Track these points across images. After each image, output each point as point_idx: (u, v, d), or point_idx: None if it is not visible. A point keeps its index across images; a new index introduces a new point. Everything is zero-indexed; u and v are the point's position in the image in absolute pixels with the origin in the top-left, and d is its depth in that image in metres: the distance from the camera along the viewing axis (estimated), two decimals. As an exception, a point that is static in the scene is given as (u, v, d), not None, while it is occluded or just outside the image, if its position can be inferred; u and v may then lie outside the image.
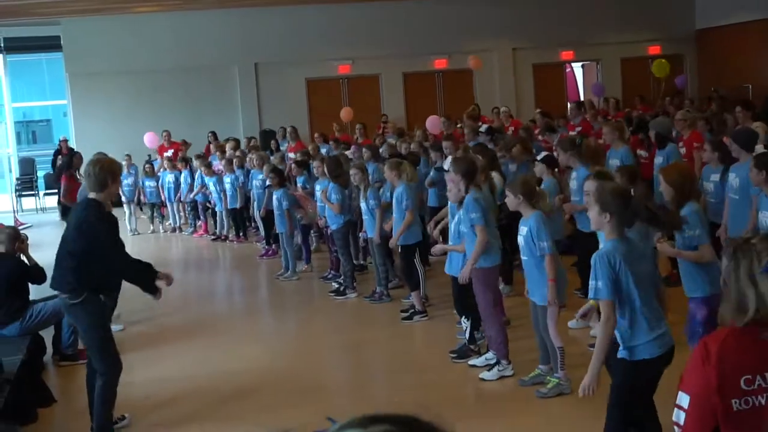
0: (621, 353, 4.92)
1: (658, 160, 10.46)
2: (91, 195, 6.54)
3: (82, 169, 11.78)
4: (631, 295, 4.84)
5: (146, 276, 6.67)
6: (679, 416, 3.06)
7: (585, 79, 26.68)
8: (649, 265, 5.16)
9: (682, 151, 10.76)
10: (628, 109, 19.25)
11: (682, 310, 6.58)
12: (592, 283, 4.85)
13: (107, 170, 6.53)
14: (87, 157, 11.32)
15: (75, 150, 15.18)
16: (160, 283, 6.70)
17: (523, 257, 6.99)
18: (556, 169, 9.61)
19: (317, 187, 11.94)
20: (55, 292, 8.85)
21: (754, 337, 3.02)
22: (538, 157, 9.60)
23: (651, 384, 5.05)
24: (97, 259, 6.45)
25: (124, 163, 17.53)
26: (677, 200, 6.17)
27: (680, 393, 3.09)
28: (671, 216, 5.29)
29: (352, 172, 10.49)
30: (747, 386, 2.99)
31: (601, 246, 5.08)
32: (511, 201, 6.90)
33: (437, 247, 8.52)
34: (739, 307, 3.05)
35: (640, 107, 19.83)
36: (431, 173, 12.02)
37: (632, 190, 5.61)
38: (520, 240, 6.94)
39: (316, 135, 18.18)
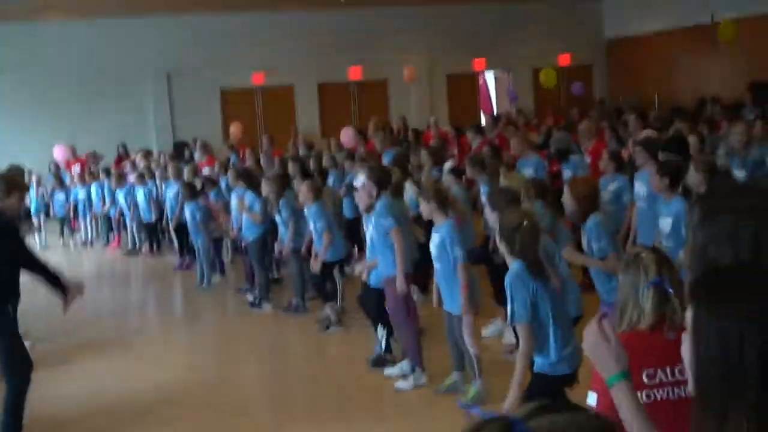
0: (540, 368, 5.01)
1: (566, 173, 10.69)
2: None
3: None
4: (544, 315, 4.95)
5: (56, 282, 6.59)
6: None
7: (498, 90, 27.04)
8: (553, 284, 5.27)
9: (587, 160, 11.00)
10: (535, 121, 19.52)
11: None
12: (510, 306, 4.92)
13: (6, 181, 6.49)
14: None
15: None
16: (72, 294, 6.61)
17: (436, 265, 7.03)
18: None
19: (233, 197, 11.83)
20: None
21: (657, 335, 3.21)
22: (445, 169, 9.71)
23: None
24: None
25: (34, 178, 17.21)
26: (580, 213, 6.31)
27: (590, 392, 3.22)
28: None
29: (263, 184, 10.44)
30: (649, 380, 3.17)
31: (512, 269, 5.15)
32: (425, 208, 6.95)
33: (358, 269, 8.44)
34: (621, 315, 3.31)
35: (551, 118, 20.18)
36: (345, 183, 12.05)
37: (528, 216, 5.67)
38: (433, 248, 6.98)
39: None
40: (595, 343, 2.67)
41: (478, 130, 13.40)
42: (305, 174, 11.49)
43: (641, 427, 2.66)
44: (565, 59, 25.64)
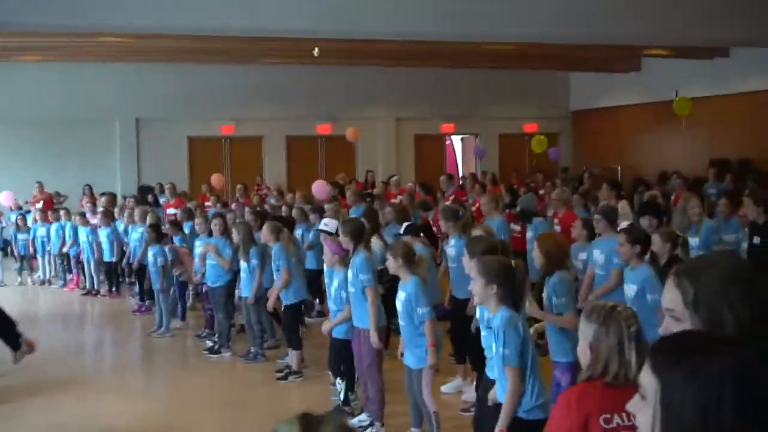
0: (518, 412, 5.05)
1: (530, 234, 10.86)
2: None
3: None
4: (530, 360, 5.02)
5: (10, 330, 6.48)
6: None
7: (464, 151, 27.41)
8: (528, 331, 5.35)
9: (557, 228, 11.18)
10: (508, 183, 19.79)
11: (546, 377, 6.78)
12: (500, 350, 4.95)
13: None
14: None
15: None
16: (23, 349, 6.52)
17: (401, 321, 7.07)
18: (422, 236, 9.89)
19: (197, 244, 11.84)
20: None
21: (608, 386, 3.32)
22: (401, 230, 9.74)
23: None
24: None
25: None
26: (547, 268, 6.42)
27: None
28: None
29: (235, 230, 10.47)
30: (606, 424, 3.25)
31: (488, 316, 5.20)
32: (391, 264, 6.98)
33: (324, 327, 8.41)
34: (604, 369, 3.36)
35: (515, 181, 20.47)
36: (310, 236, 12.13)
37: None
38: (399, 305, 7.03)
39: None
40: None
41: (450, 177, 13.64)
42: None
43: None
44: (531, 127, 26.08)
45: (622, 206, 11.86)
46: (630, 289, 6.86)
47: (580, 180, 20.13)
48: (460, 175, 25.23)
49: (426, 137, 25.80)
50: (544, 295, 6.42)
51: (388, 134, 25.13)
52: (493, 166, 24.64)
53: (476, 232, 8.13)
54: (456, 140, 27.56)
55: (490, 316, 5.63)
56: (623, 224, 7.97)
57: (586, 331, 3.47)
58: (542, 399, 5.12)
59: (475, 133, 26.43)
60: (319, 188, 17.00)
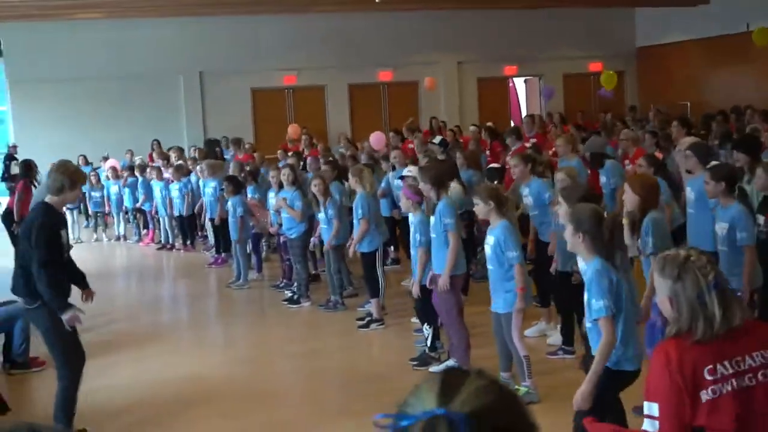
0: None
1: (602, 179, 10.61)
2: (46, 198, 6.52)
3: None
4: (624, 310, 4.93)
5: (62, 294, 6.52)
6: (653, 425, 3.18)
7: (528, 94, 27.03)
8: (628, 281, 5.24)
9: (629, 168, 10.92)
10: (575, 124, 19.42)
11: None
12: (595, 302, 4.85)
13: (67, 175, 6.50)
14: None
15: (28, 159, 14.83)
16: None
17: (489, 266, 7.01)
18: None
19: (270, 195, 11.88)
20: (5, 299, 8.79)
21: (697, 344, 3.21)
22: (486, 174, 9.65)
23: (617, 394, 5.16)
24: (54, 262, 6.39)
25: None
26: (641, 208, 6.28)
27: (647, 403, 3.24)
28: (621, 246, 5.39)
29: (314, 182, 10.46)
30: (711, 376, 3.16)
31: (584, 267, 5.08)
32: (482, 208, 6.88)
33: (415, 290, 8.25)
34: (689, 325, 3.22)
35: (581, 122, 20.10)
36: (383, 184, 12.09)
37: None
38: (487, 249, 6.96)
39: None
40: None
41: (518, 134, 13.32)
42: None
43: None
44: (596, 66, 25.61)
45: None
46: (721, 228, 6.70)
47: (647, 118, 19.73)
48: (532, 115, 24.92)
49: (489, 80, 25.49)
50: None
51: (450, 79, 24.88)
52: (558, 107, 24.26)
53: (560, 176, 7.99)
54: (519, 83, 27.16)
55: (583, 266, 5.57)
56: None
57: (661, 285, 3.34)
58: (634, 351, 5.02)
59: (539, 74, 26.04)
60: (377, 139, 16.90)
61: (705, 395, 3.14)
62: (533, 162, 8.62)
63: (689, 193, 7.94)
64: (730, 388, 3.16)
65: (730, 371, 3.17)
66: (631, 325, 5.01)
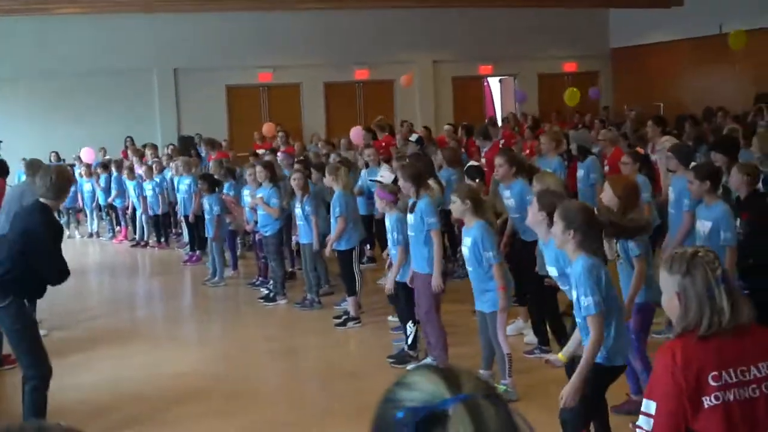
0: (597, 359, 4.98)
1: (580, 173, 10.64)
2: (43, 200, 6.49)
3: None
4: (612, 306, 4.94)
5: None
6: (648, 422, 3.18)
7: (502, 94, 27.12)
8: (610, 275, 5.24)
9: (606, 169, 10.98)
10: (548, 124, 19.53)
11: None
12: (584, 299, 4.85)
13: (66, 179, 6.64)
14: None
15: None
16: None
17: (468, 267, 7.01)
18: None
19: (245, 193, 11.84)
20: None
21: (703, 339, 3.20)
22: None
23: (606, 391, 5.18)
24: (31, 265, 6.36)
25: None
26: (622, 209, 6.26)
27: (645, 400, 3.24)
28: (634, 229, 5.36)
29: (294, 176, 10.41)
30: (715, 382, 3.15)
31: (579, 263, 5.06)
32: (458, 207, 6.86)
33: (388, 286, 8.30)
34: (698, 320, 3.22)
35: (555, 122, 20.20)
36: (359, 183, 12.07)
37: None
38: (465, 250, 6.97)
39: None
40: None
41: (486, 135, 13.27)
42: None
43: None
44: (570, 66, 25.74)
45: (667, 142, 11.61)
46: (703, 227, 6.74)
47: (622, 120, 19.86)
48: (500, 117, 25.02)
49: (464, 79, 25.54)
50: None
51: (426, 78, 24.89)
52: (533, 107, 24.38)
53: (539, 181, 7.93)
54: (494, 82, 27.23)
55: (566, 263, 5.58)
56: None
57: (669, 282, 3.32)
58: (621, 345, 5.04)
59: (514, 74, 26.13)
60: (356, 134, 16.92)
61: (707, 401, 3.13)
62: (519, 163, 8.58)
63: (670, 193, 7.99)
64: (732, 397, 3.16)
65: (734, 380, 3.17)
66: (617, 320, 5.02)
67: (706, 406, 3.14)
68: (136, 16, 21.61)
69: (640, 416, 3.23)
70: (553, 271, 6.07)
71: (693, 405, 3.13)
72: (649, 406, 3.19)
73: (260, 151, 16.10)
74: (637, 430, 3.21)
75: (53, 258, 6.41)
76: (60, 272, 6.49)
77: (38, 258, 6.35)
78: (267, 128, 20.66)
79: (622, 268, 6.37)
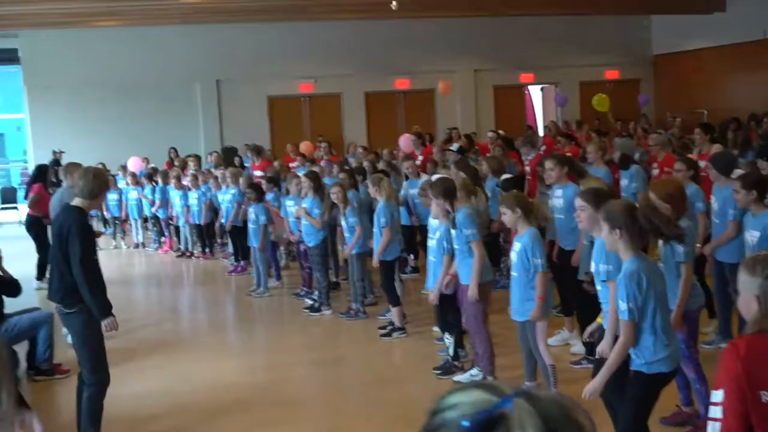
0: (638, 366, 4.97)
1: (623, 182, 10.57)
2: (76, 202, 6.49)
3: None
4: (653, 314, 4.92)
5: (105, 296, 6.51)
6: (715, 411, 3.23)
7: (544, 101, 27.03)
8: (664, 281, 5.21)
9: (655, 172, 10.90)
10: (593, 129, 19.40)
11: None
12: (619, 304, 4.88)
13: (101, 180, 6.55)
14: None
15: (44, 163, 14.87)
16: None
17: (514, 273, 7.01)
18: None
19: (289, 203, 11.91)
20: (29, 306, 8.84)
21: None
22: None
23: (656, 400, 5.15)
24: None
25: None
26: (673, 215, 6.20)
27: (714, 391, 3.28)
28: (674, 227, 5.31)
29: (333, 190, 10.47)
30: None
31: (626, 265, 5.04)
32: (509, 217, 6.86)
33: (432, 297, 8.25)
34: None
35: (601, 128, 20.06)
36: (402, 192, 12.11)
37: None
38: (513, 256, 6.96)
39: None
40: None
41: (532, 143, 13.28)
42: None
43: None
44: (612, 74, 25.61)
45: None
46: (751, 236, 6.68)
47: (664, 127, 19.68)
48: (541, 125, 24.98)
49: (505, 88, 25.49)
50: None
51: (467, 86, 24.89)
52: (575, 115, 24.25)
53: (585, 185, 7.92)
54: (535, 92, 27.16)
55: (605, 269, 5.58)
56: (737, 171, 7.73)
57: (750, 284, 3.36)
58: (665, 353, 5.00)
59: (555, 82, 26.04)
60: (405, 142, 17.00)
61: (765, 396, 3.17)
62: (570, 165, 8.55)
63: (713, 203, 7.92)
64: None
65: None
66: (662, 324, 4.98)
67: (763, 400, 3.18)
68: (178, 29, 21.83)
69: (710, 407, 3.27)
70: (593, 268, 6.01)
71: (752, 395, 3.17)
72: (716, 395, 3.23)
73: (293, 164, 16.18)
74: (709, 422, 3.23)
75: (84, 259, 6.31)
76: (93, 276, 6.38)
77: (69, 256, 6.30)
78: (305, 147, 20.63)
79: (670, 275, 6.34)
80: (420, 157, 14.71)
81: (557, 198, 8.49)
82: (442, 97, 23.81)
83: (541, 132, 23.31)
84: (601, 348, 5.48)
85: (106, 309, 6.39)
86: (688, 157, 9.59)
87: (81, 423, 6.57)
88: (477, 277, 7.52)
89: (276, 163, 16.41)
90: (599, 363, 5.38)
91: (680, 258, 6.11)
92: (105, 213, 17.58)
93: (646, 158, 12.82)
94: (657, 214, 5.14)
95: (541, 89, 26.99)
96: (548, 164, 8.42)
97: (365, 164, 13.29)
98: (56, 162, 20.27)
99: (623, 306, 4.86)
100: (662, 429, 5.68)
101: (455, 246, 7.75)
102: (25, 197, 15.06)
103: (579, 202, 6.23)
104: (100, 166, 17.82)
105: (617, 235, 4.94)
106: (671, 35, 25.01)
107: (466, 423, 1.37)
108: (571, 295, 8.51)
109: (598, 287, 5.87)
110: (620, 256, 5.05)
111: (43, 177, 14.06)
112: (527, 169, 12.60)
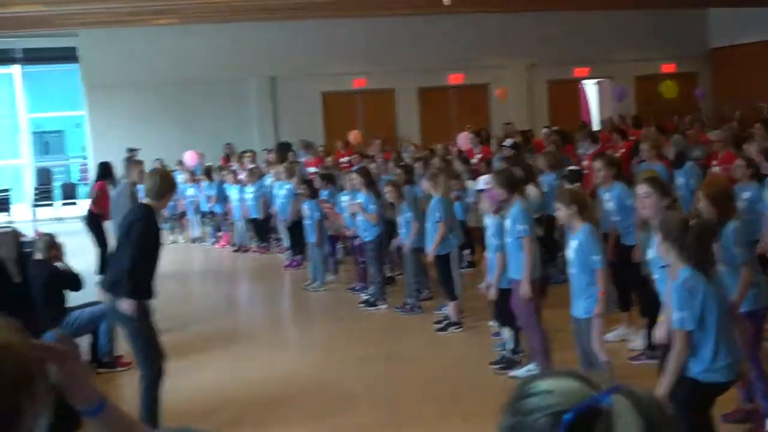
0: (693, 375, 4.93)
1: (679, 180, 10.45)
2: (146, 200, 6.73)
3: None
4: (711, 323, 4.88)
5: (144, 284, 6.68)
6: None
7: (600, 96, 26.75)
8: (723, 289, 5.17)
9: (715, 170, 10.76)
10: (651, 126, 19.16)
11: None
12: (676, 313, 4.86)
13: (170, 181, 6.78)
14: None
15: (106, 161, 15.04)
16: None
17: (571, 270, 6.97)
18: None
19: (343, 199, 11.98)
20: (92, 300, 9.00)
21: None
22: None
23: (711, 407, 5.11)
24: (146, 263, 6.56)
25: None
26: (717, 216, 6.09)
27: None
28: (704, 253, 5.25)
29: (386, 189, 10.54)
30: None
31: (680, 274, 5.01)
32: (564, 213, 6.82)
33: (491, 292, 8.32)
34: None
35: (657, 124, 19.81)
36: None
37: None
38: (570, 253, 6.91)
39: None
40: None
41: (594, 138, 13.17)
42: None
43: None
44: (668, 67, 25.29)
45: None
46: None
47: (722, 121, 19.38)
48: (596, 120, 24.75)
49: (559, 83, 25.32)
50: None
51: (520, 81, 24.75)
52: (630, 110, 23.98)
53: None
54: (589, 87, 26.90)
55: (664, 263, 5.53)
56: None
57: None
58: (724, 362, 4.93)
59: (610, 76, 25.76)
60: (463, 139, 17.03)
61: None
62: (618, 166, 8.51)
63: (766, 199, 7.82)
64: None
65: None
66: (721, 335, 4.92)
67: None
68: (234, 26, 22.01)
69: None
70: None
71: None
72: None
73: (343, 160, 16.23)
74: None
75: (144, 258, 6.49)
76: (139, 265, 6.51)
77: (130, 250, 6.46)
78: (354, 136, 20.70)
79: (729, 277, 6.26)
80: (477, 155, 14.69)
81: (607, 202, 8.44)
82: (492, 89, 23.66)
83: (596, 127, 23.06)
84: (659, 333, 5.46)
85: (134, 292, 6.51)
86: (751, 158, 9.39)
87: (140, 414, 6.70)
88: (528, 273, 7.51)
89: (328, 160, 16.51)
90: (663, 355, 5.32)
91: (739, 258, 6.04)
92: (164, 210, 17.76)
93: (705, 155, 12.63)
94: (706, 233, 5.06)
95: (597, 83, 26.72)
96: (597, 165, 8.39)
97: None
98: (129, 159, 20.56)
99: (677, 314, 4.85)
100: (723, 426, 5.62)
101: (507, 240, 7.74)
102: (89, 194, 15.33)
103: (644, 188, 6.19)
104: (157, 162, 18.18)
105: (668, 246, 4.97)
106: (729, 28, 24.61)
107: (567, 416, 1.30)
108: (633, 289, 8.46)
109: (655, 276, 5.84)
110: (673, 265, 5.03)
111: (106, 174, 14.30)
112: (584, 163, 12.51)
